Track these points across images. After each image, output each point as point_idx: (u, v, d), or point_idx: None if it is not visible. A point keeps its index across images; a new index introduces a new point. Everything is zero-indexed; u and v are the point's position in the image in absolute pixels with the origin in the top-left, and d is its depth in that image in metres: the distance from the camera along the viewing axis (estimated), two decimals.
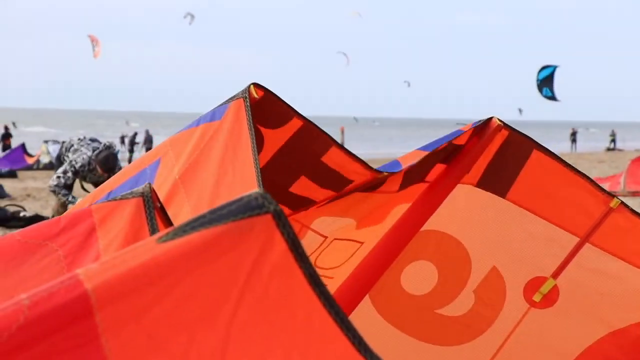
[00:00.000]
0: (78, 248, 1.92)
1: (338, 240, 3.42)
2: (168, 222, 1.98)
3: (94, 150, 11.65)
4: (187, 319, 1.28)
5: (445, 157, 3.28)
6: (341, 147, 3.04)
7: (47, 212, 18.19)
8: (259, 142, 2.89)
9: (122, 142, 46.68)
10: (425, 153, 3.14)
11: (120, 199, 1.95)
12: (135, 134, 46.38)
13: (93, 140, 12.19)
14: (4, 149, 38.39)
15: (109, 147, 11.75)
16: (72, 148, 11.96)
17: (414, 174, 3.27)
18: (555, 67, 35.93)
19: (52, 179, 11.87)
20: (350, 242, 3.43)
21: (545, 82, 35.58)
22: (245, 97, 2.72)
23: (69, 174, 11.55)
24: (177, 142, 2.89)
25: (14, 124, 40.55)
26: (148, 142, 44.03)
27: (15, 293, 1.85)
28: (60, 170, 11.82)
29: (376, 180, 3.14)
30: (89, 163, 11.51)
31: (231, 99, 2.78)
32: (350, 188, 3.15)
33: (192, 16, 44.66)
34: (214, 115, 2.79)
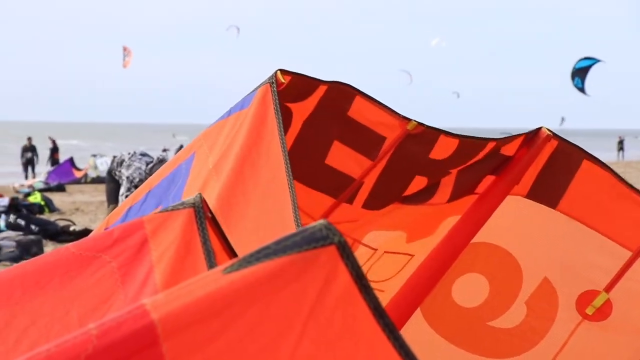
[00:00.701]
0: (131, 260, 1.93)
1: (388, 254, 3.42)
2: (220, 233, 1.99)
3: (147, 164, 11.72)
4: (251, 350, 1.29)
5: (495, 168, 3.27)
6: (364, 94, 3.03)
7: (95, 225, 18.38)
8: (287, 117, 2.91)
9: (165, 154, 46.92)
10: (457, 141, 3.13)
11: (172, 209, 1.96)
12: (181, 146, 46.73)
13: (143, 154, 12.26)
14: (52, 164, 38.89)
15: (162, 161, 11.79)
16: (124, 164, 12.02)
17: (464, 185, 3.26)
18: (596, 61, 34.49)
19: (121, 201, 11.92)
20: (401, 255, 3.42)
21: (580, 72, 34.35)
22: (272, 83, 2.75)
23: (133, 190, 11.61)
24: (209, 134, 2.91)
25: (50, 138, 41.18)
26: None
27: (72, 306, 1.88)
28: (123, 189, 11.87)
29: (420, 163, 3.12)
30: (145, 178, 11.56)
31: (259, 86, 2.80)
32: (386, 149, 3.13)
33: (238, 29, 45.12)
34: (243, 103, 2.82)
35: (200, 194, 1.99)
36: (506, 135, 3.27)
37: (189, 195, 2.40)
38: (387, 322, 1.27)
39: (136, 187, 11.54)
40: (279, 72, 2.80)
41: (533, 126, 3.29)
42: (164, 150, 42.98)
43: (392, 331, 1.27)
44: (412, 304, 3.34)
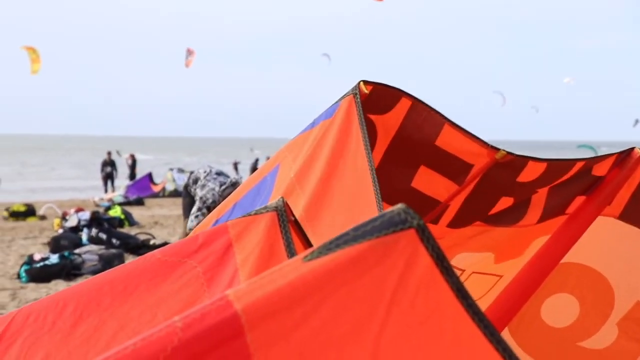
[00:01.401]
0: (216, 264, 1.96)
1: (477, 274, 3.38)
2: (302, 235, 2.00)
3: (221, 185, 11.77)
4: (335, 336, 1.29)
5: (586, 188, 3.20)
6: (453, 123, 2.97)
7: (174, 239, 18.65)
8: (371, 132, 2.88)
9: (235, 168, 47.50)
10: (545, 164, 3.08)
11: (255, 213, 1.99)
12: (257, 160, 47.16)
13: (219, 173, 12.30)
14: (131, 178, 39.60)
15: (234, 184, 11.81)
16: (199, 183, 12.05)
17: (555, 206, 3.20)
18: None
19: (191, 219, 12.00)
20: (490, 275, 3.39)
21: None
22: (356, 94, 2.74)
23: (204, 211, 11.66)
24: (294, 145, 2.92)
25: (117, 152, 41.67)
26: None
27: (159, 310, 1.92)
28: (195, 209, 11.93)
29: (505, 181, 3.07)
30: (218, 199, 11.58)
31: (342, 97, 2.80)
32: (474, 175, 3.09)
33: (329, 57, 46.10)
34: (327, 115, 2.82)
35: (282, 197, 2.01)
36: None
37: None
38: (470, 303, 1.26)
39: (208, 208, 11.59)
40: (361, 83, 2.80)
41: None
42: (235, 164, 43.41)
43: (476, 312, 1.26)
44: (500, 323, 3.30)
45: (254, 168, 45.14)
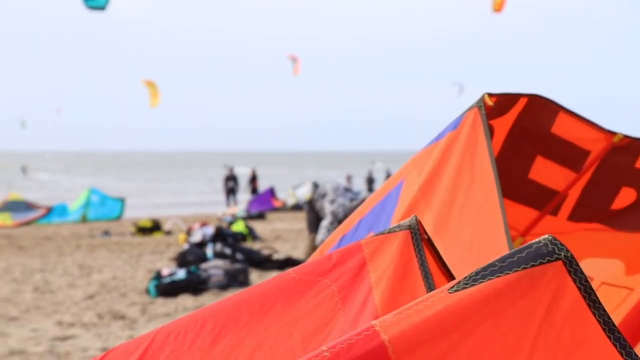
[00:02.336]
0: (350, 282, 1.98)
1: (606, 285, 3.31)
2: (436, 254, 2.01)
3: (351, 200, 11.96)
4: None
5: None
6: (568, 110, 2.94)
7: (296, 253, 18.76)
8: (490, 134, 2.88)
9: (348, 181, 47.52)
10: None
11: (388, 232, 2.00)
12: (370, 171, 47.13)
13: (347, 189, 12.51)
14: (252, 192, 40.12)
15: (364, 201, 12.02)
16: (328, 197, 12.24)
17: None
18: None
19: (322, 232, 12.17)
20: (620, 288, 3.31)
21: None
22: (480, 106, 2.72)
23: (335, 224, 11.86)
24: (418, 160, 2.92)
25: (230, 168, 41.75)
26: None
27: (294, 329, 1.95)
28: (327, 222, 12.11)
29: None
30: (350, 214, 11.82)
31: (467, 109, 2.78)
32: (591, 162, 3.04)
33: (462, 87, 44.88)
34: (452, 127, 2.81)
35: (415, 216, 2.02)
36: None
37: (397, 221, 2.43)
38: (617, 337, 1.25)
39: (339, 222, 11.78)
40: (486, 95, 2.79)
41: None
42: (348, 177, 43.56)
43: (623, 346, 1.25)
44: (633, 339, 3.22)
45: (369, 180, 45.24)
